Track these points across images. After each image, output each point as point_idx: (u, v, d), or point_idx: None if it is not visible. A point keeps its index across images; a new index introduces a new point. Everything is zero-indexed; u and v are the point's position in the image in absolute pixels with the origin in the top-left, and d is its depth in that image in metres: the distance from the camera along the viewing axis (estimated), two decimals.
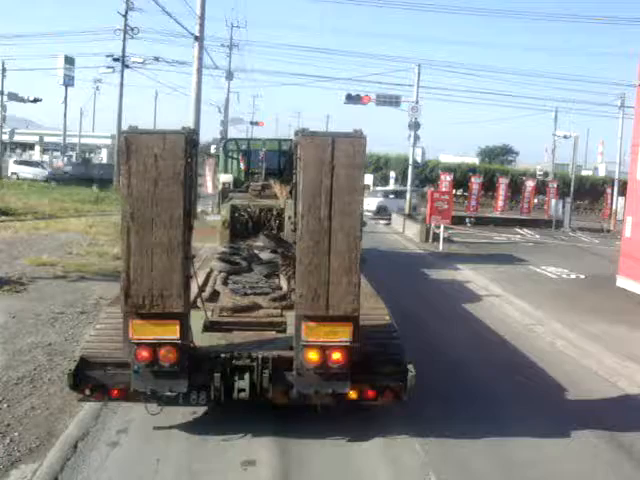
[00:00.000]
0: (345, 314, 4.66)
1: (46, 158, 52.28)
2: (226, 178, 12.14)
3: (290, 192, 8.59)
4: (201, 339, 5.22)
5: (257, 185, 10.90)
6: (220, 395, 4.94)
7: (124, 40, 34.87)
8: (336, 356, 4.75)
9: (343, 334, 4.72)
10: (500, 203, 32.38)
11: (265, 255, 7.95)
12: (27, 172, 41.09)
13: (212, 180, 29.41)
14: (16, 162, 44.75)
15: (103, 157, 56.95)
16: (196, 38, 20.87)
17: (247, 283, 6.78)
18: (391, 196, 32.40)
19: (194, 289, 5.57)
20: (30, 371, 6.49)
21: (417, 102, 28.28)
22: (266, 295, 6.29)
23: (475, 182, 31.80)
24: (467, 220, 27.01)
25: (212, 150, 33.60)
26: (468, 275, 14.89)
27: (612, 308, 11.75)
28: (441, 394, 6.45)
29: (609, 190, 33.68)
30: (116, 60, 35.26)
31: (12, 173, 42.02)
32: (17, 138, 52.50)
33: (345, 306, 4.63)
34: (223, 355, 4.99)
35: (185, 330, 4.74)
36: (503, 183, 32.65)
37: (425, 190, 30.33)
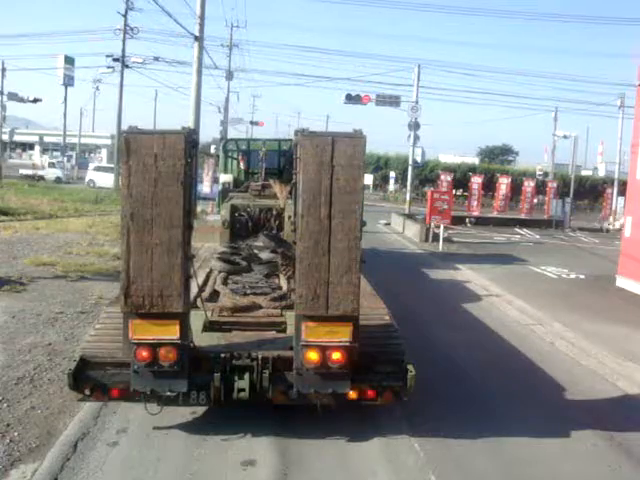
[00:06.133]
0: (345, 314, 4.66)
1: (46, 158, 52.00)
2: (226, 178, 12.15)
3: (290, 192, 8.59)
4: (201, 339, 5.22)
5: (257, 185, 10.89)
6: (220, 395, 4.94)
7: (124, 40, 34.97)
8: (336, 356, 4.74)
9: (343, 334, 4.71)
10: (500, 203, 32.33)
11: (265, 255, 7.95)
12: (108, 180, 35.56)
13: (210, 180, 29.50)
14: (96, 169, 40.25)
15: (103, 157, 56.88)
16: (196, 38, 20.89)
17: (247, 283, 6.78)
18: None
19: (194, 289, 5.57)
20: (30, 371, 6.49)
21: (417, 102, 28.30)
22: (266, 295, 6.29)
23: (475, 182, 31.77)
24: (467, 220, 27.01)
25: (212, 150, 33.62)
26: (468, 275, 14.88)
27: (612, 308, 11.76)
28: (441, 394, 6.45)
29: (609, 190, 33.69)
30: (116, 60, 35.35)
31: (89, 180, 38.71)
32: (17, 138, 52.60)
33: (345, 306, 4.63)
34: (223, 355, 4.99)
35: (185, 330, 4.74)
36: (503, 183, 32.62)
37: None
